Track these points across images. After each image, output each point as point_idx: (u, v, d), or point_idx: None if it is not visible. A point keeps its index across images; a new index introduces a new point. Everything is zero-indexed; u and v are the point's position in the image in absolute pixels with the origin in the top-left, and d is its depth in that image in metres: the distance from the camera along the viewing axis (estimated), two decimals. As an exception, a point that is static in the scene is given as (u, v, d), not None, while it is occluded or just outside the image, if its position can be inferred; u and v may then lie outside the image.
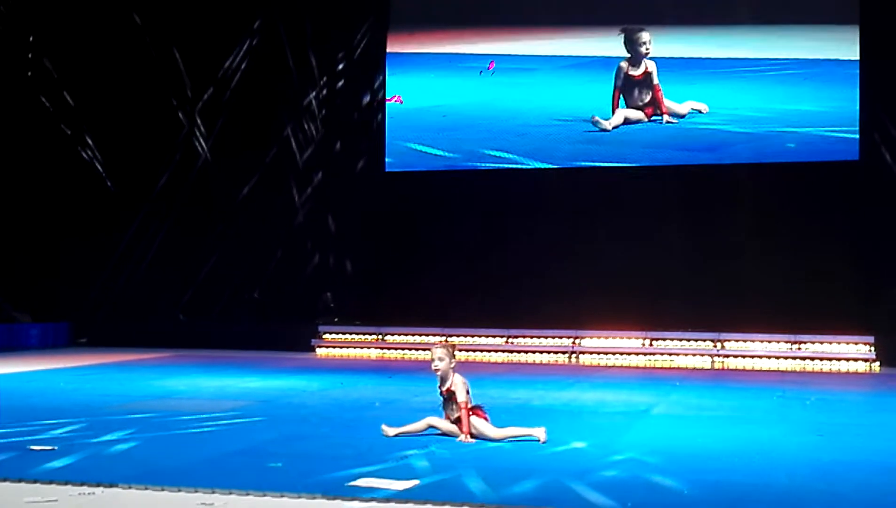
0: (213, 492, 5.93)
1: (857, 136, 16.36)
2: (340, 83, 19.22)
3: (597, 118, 17.28)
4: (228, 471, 6.55)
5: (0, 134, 19.99)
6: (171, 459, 6.98)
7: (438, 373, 7.97)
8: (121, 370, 14.32)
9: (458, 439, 7.81)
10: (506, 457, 7.27)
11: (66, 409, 9.51)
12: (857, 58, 16.42)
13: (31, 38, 20.26)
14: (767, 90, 16.88)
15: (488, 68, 18.01)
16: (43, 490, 6.00)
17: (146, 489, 6.04)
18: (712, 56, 17.09)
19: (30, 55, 20.26)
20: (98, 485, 6.08)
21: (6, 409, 9.54)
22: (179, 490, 6.00)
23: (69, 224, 19.97)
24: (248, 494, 5.91)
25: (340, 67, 19.18)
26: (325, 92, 19.25)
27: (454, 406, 7.94)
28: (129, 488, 6.06)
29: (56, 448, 7.30)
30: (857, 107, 16.37)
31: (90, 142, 20.21)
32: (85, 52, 20.01)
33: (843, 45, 16.50)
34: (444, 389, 7.99)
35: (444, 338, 8.32)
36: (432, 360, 7.97)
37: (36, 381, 12.61)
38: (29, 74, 20.21)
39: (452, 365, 7.97)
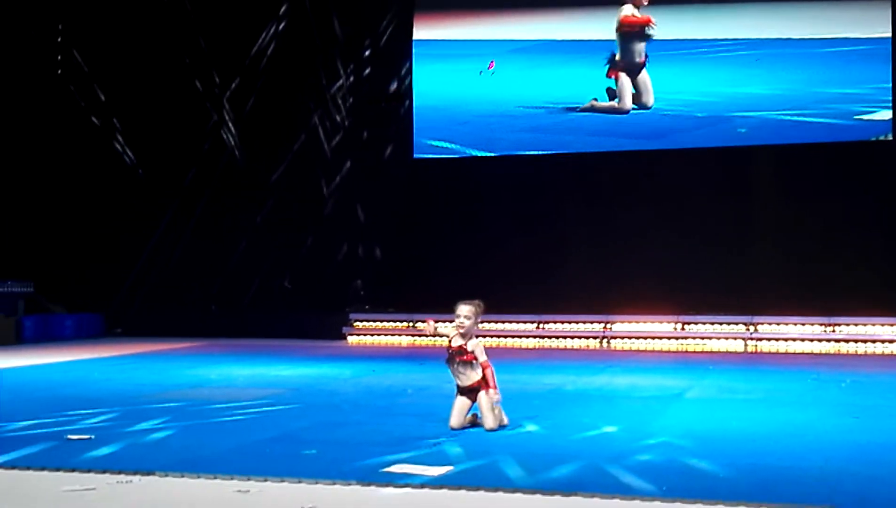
0: (249, 479, 5.97)
1: (891, 114, 16.15)
2: (367, 70, 19.21)
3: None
4: (263, 459, 6.58)
5: (31, 127, 20.20)
6: (206, 447, 7.03)
7: (462, 331, 7.69)
8: (154, 359, 14.44)
9: (492, 396, 7.61)
10: (540, 442, 7.26)
11: (101, 399, 9.60)
12: (890, 34, 16.18)
13: (59, 27, 20.41)
14: (795, 70, 16.70)
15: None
16: (81, 478, 6.06)
17: (182, 476, 6.09)
18: (733, 36, 16.91)
19: (59, 52, 20.40)
20: (135, 473, 6.13)
21: (43, 399, 9.65)
22: (216, 478, 6.04)
23: (101, 215, 20.13)
24: (283, 481, 5.94)
25: (367, 53, 19.18)
26: (351, 79, 19.27)
27: (465, 368, 7.68)
28: (166, 476, 6.10)
29: (93, 437, 7.37)
30: (890, 85, 16.15)
31: (120, 133, 20.35)
32: (113, 45, 20.13)
33: (875, 22, 16.27)
34: (455, 345, 7.67)
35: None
36: (458, 316, 7.67)
37: (71, 371, 12.74)
38: (59, 58, 20.34)
39: (476, 326, 7.72)
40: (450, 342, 7.82)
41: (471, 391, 7.74)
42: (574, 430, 7.75)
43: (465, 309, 7.73)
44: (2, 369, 12.85)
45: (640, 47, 16.89)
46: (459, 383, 7.77)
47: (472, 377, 7.73)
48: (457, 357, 7.75)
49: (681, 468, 6.30)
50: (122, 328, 19.34)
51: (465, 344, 7.72)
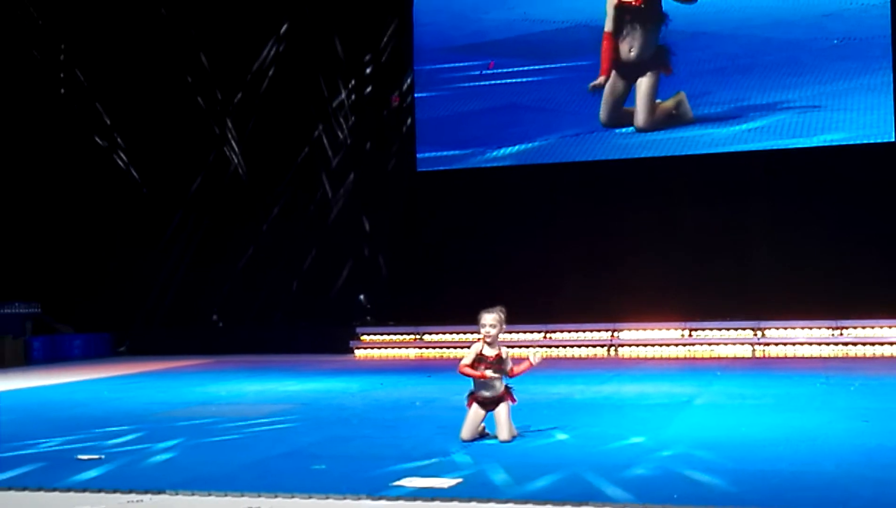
0: (259, 496, 5.96)
1: (892, 115, 16.15)
2: (369, 83, 19.26)
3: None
4: (273, 475, 6.58)
5: (35, 147, 20.26)
6: (216, 464, 7.03)
7: (489, 339, 7.63)
8: (162, 377, 14.44)
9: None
10: (546, 453, 7.24)
11: (110, 418, 9.60)
12: (889, 34, 16.20)
13: (62, 46, 20.50)
14: (797, 69, 16.71)
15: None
16: (91, 498, 6.06)
17: (193, 494, 6.09)
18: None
19: (62, 74, 20.48)
20: (146, 492, 6.13)
21: (52, 420, 9.66)
22: (226, 495, 6.04)
23: (107, 234, 20.18)
24: (293, 497, 5.93)
25: (368, 66, 19.23)
26: (353, 92, 19.32)
27: (499, 377, 7.67)
28: (177, 494, 6.11)
29: (102, 456, 7.37)
30: (892, 87, 16.15)
31: (124, 151, 20.40)
32: (115, 64, 20.19)
33: (875, 22, 16.29)
34: (490, 355, 7.64)
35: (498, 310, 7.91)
36: (483, 325, 7.60)
37: (80, 391, 12.75)
38: (62, 76, 20.42)
39: (501, 332, 7.69)
40: (480, 352, 7.72)
41: (492, 403, 7.73)
42: (584, 440, 7.74)
43: (489, 318, 7.66)
44: (12, 390, 12.87)
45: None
46: (488, 393, 7.71)
47: (499, 387, 7.73)
48: (494, 369, 7.67)
49: (691, 475, 6.28)
50: (130, 347, 19.36)
51: (500, 352, 7.69)
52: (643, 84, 17.12)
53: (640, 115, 17.16)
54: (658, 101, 17.20)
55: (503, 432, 7.64)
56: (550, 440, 7.76)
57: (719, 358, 15.71)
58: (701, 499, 5.62)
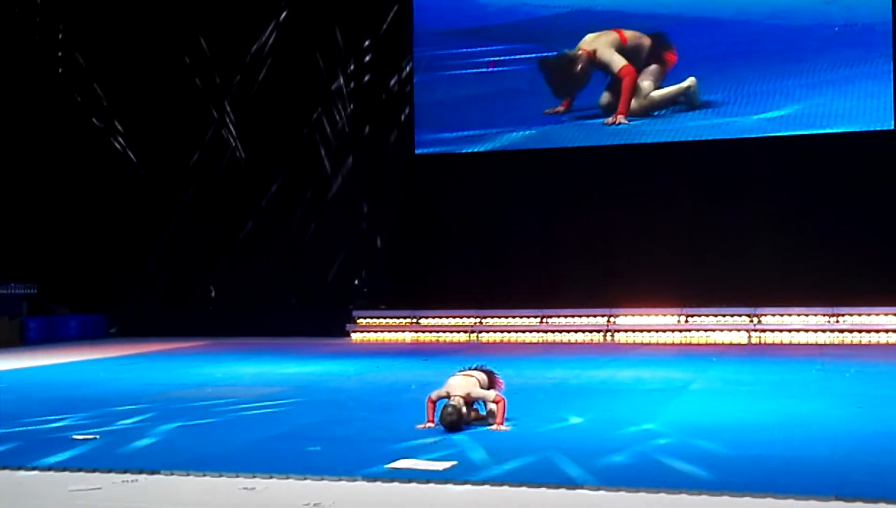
0: (254, 477, 5.97)
1: (892, 103, 16.12)
2: (368, 67, 19.18)
3: None
4: (268, 456, 6.59)
5: (34, 129, 20.20)
6: (211, 445, 7.03)
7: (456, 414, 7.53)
8: (158, 359, 14.44)
9: (492, 428, 7.60)
10: (536, 438, 7.24)
11: (106, 399, 9.60)
12: (890, 21, 16.15)
13: (61, 27, 20.40)
14: (798, 56, 16.66)
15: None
16: (87, 478, 6.06)
17: (188, 475, 6.09)
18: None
19: (59, 53, 20.39)
20: (140, 472, 6.14)
21: (48, 400, 9.66)
22: (221, 476, 6.04)
23: (103, 216, 20.14)
24: (288, 478, 5.94)
25: (367, 50, 19.15)
26: (352, 76, 19.24)
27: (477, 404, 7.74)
28: (172, 474, 6.11)
29: (97, 436, 7.38)
30: (892, 74, 16.12)
31: (122, 134, 20.34)
32: (113, 46, 20.10)
33: (876, 9, 16.23)
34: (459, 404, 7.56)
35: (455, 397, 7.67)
36: (452, 413, 7.47)
37: (76, 372, 12.74)
38: (60, 57, 20.34)
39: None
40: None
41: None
42: (577, 424, 7.75)
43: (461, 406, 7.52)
44: (8, 370, 12.86)
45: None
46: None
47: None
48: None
49: (686, 459, 6.28)
50: (121, 329, 19.32)
51: (473, 395, 7.62)
52: (644, 72, 17.11)
53: (632, 101, 17.13)
54: (663, 86, 17.15)
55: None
56: (546, 425, 7.75)
57: (715, 344, 15.73)
58: (695, 483, 5.62)
